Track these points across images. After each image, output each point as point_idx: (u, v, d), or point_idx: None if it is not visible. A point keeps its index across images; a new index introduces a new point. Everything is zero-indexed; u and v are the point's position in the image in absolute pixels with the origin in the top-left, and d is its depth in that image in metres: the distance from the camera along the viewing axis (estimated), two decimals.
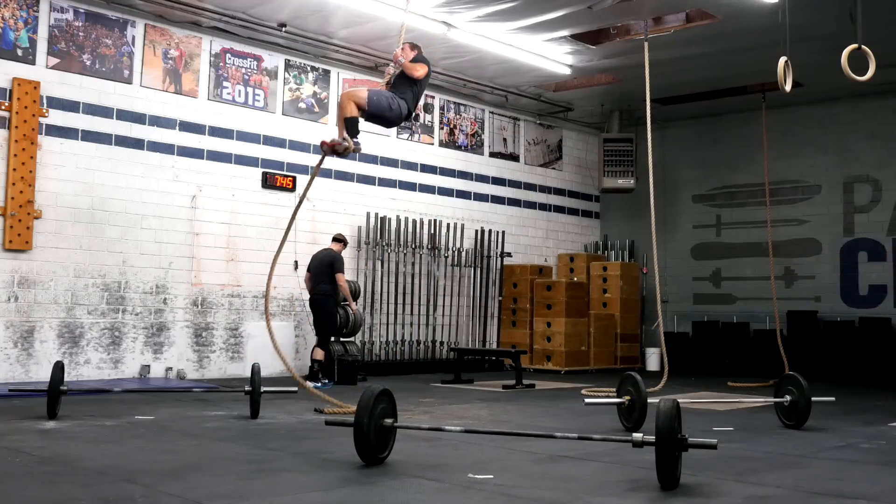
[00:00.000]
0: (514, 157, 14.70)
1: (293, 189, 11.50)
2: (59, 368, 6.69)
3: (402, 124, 7.60)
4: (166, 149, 10.39)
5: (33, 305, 9.30)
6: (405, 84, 7.50)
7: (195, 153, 10.66)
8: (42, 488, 4.26)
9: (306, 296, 11.23)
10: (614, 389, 7.12)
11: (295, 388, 7.64)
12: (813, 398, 6.88)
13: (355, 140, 7.42)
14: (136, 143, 10.16)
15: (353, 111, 7.37)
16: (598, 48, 11.70)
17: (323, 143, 7.57)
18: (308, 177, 11.64)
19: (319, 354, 10.19)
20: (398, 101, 7.43)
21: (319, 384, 9.86)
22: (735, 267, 14.74)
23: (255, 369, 7.12)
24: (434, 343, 12.98)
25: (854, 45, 8.03)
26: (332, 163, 11.98)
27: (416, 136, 13.14)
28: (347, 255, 12.02)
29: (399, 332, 12.51)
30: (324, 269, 10.32)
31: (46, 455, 5.14)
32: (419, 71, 7.46)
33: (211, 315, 10.68)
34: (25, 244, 9.20)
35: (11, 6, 9.27)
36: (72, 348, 9.52)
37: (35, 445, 5.47)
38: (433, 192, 13.27)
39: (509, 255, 14.13)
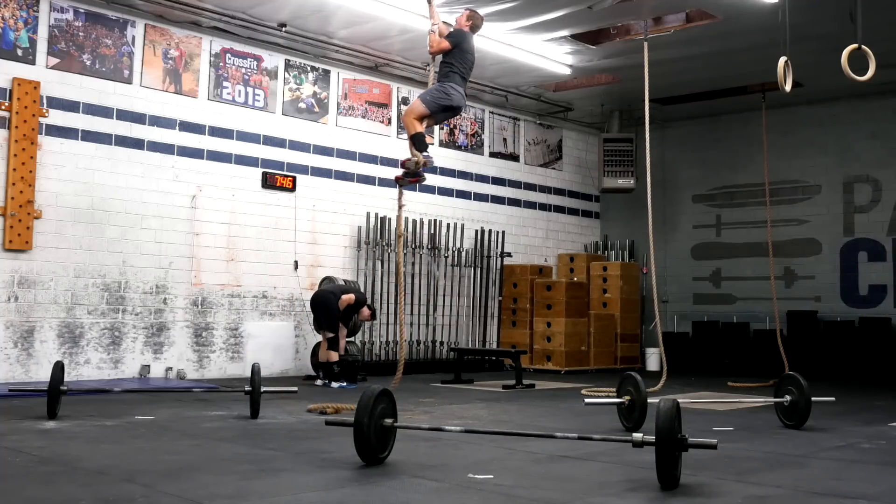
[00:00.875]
0: (514, 157, 14.70)
1: (293, 189, 11.50)
2: (59, 368, 6.69)
3: (430, 122, 7.77)
4: (166, 149, 10.39)
5: (33, 305, 9.30)
6: (446, 68, 7.55)
7: (195, 153, 10.66)
8: (42, 488, 4.26)
9: (306, 296, 11.25)
10: (614, 389, 7.12)
11: (295, 389, 7.65)
12: (813, 398, 6.88)
13: (425, 154, 7.47)
14: (136, 143, 10.17)
15: (417, 127, 7.48)
16: (598, 48, 11.70)
17: (397, 178, 7.69)
18: (309, 176, 11.75)
19: (335, 356, 10.14)
20: (449, 86, 7.47)
21: (345, 383, 9.89)
22: (735, 267, 14.74)
23: (255, 369, 7.12)
24: (434, 343, 12.98)
25: (854, 45, 8.03)
26: (332, 162, 12.01)
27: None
28: (348, 255, 12.07)
29: (399, 331, 12.50)
30: (337, 288, 10.44)
31: (46, 455, 5.14)
32: (434, 46, 7.55)
33: (211, 315, 10.68)
34: (25, 244, 9.20)
35: (11, 6, 9.27)
36: (72, 348, 9.52)
37: (35, 445, 5.47)
38: (433, 192, 13.27)
39: (509, 255, 14.13)
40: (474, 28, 7.82)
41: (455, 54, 7.56)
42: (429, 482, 4.58)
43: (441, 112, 7.61)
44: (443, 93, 7.45)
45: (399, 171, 7.70)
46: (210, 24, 10.64)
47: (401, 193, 7.77)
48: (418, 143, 7.48)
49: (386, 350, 12.30)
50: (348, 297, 10.25)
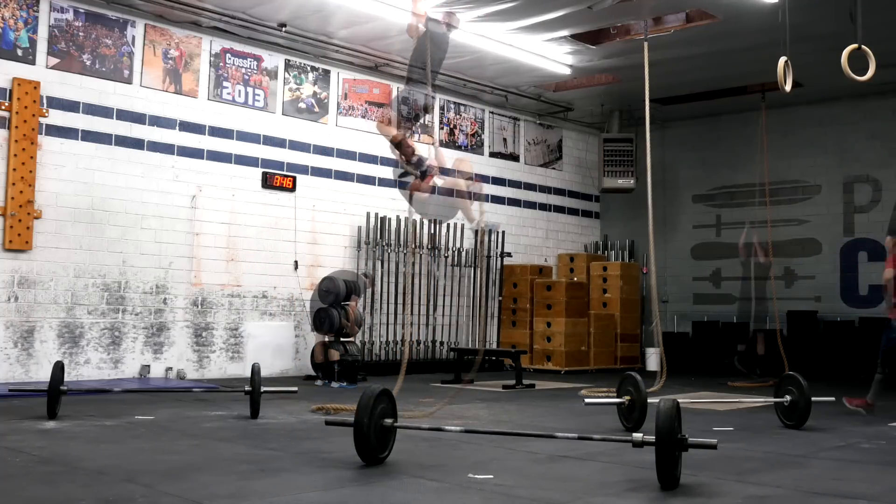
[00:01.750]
0: (514, 157, 14.70)
1: (293, 189, 11.50)
2: (59, 368, 6.69)
3: (404, 124, 7.80)
4: (166, 149, 10.39)
5: (33, 305, 9.30)
6: (408, 74, 7.72)
7: (195, 153, 10.66)
8: (42, 488, 4.26)
9: (306, 296, 11.26)
10: (614, 389, 7.12)
11: (295, 389, 7.65)
12: (813, 398, 6.88)
13: (416, 158, 7.68)
14: (136, 143, 10.16)
15: (389, 131, 7.75)
16: (598, 48, 11.70)
17: (412, 186, 7.91)
18: (309, 176, 11.74)
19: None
20: (412, 85, 7.63)
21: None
22: (735, 267, 14.72)
23: (255, 369, 7.13)
24: (434, 343, 12.98)
25: (854, 45, 8.03)
26: (332, 162, 12.01)
27: (416, 135, 13.10)
28: (348, 255, 12.07)
29: (399, 332, 12.50)
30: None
31: (46, 455, 5.14)
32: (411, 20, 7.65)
33: (211, 315, 10.68)
34: (25, 244, 9.20)
35: (11, 6, 9.27)
36: (72, 348, 9.52)
37: (35, 445, 5.47)
38: (432, 192, 13.23)
39: (509, 255, 14.13)
40: (449, 26, 7.95)
41: (416, 53, 7.62)
42: (429, 482, 4.58)
43: (414, 113, 7.70)
44: (406, 93, 7.69)
45: (420, 185, 7.87)
46: (210, 24, 10.64)
47: (410, 200, 7.97)
48: (399, 147, 7.58)
49: (386, 350, 12.29)
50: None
